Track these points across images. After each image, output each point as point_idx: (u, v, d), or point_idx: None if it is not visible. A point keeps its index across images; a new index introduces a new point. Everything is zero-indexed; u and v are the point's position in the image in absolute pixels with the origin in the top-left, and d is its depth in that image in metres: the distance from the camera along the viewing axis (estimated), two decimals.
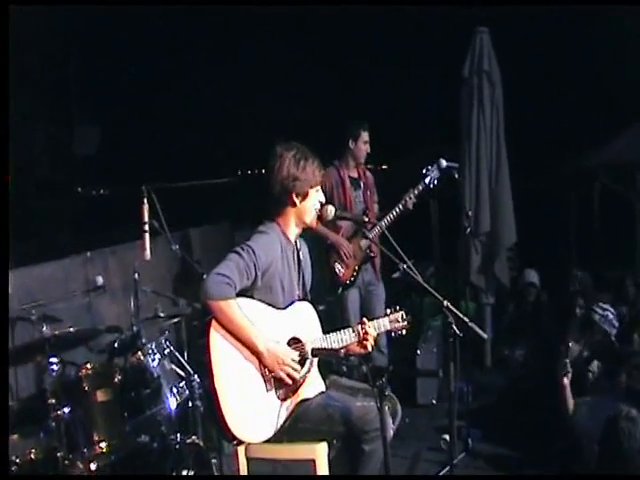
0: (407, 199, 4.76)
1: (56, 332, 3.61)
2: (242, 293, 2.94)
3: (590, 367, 4.17)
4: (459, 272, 6.00)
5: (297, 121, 7.24)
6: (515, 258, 6.33)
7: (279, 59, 8.05)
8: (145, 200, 3.81)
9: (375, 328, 3.23)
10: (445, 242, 6.56)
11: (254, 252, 2.95)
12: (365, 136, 4.97)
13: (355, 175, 5.06)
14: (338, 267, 4.81)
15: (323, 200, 3.17)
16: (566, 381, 3.86)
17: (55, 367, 3.50)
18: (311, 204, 3.12)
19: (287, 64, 8.05)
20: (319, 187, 3.16)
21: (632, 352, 4.25)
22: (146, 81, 8.06)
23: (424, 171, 4.84)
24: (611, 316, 4.52)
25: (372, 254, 4.89)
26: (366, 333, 3.16)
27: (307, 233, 3.28)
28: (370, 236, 4.58)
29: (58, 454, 3.23)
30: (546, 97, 7.60)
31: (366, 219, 3.98)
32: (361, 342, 3.17)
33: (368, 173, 5.15)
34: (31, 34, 6.37)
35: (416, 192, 4.79)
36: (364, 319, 3.24)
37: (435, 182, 4.85)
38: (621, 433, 3.42)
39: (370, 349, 3.20)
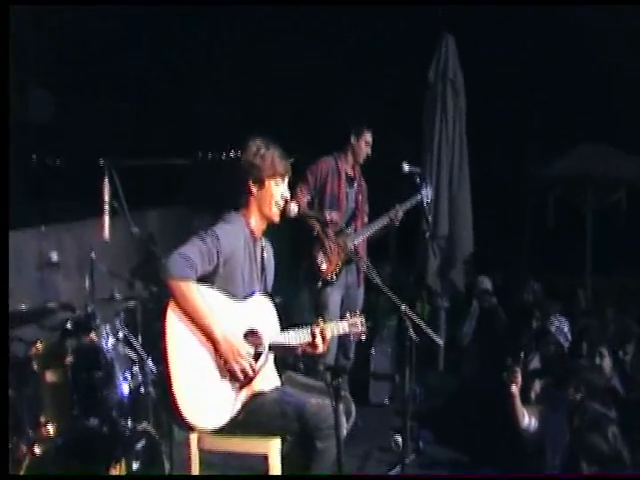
0: (395, 215, 4.69)
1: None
2: (202, 280, 2.92)
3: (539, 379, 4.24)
4: (415, 274, 6.05)
5: (271, 114, 7.18)
6: (471, 263, 6.40)
7: (258, 47, 7.94)
8: (106, 178, 3.71)
9: (333, 330, 3.21)
10: (402, 244, 6.61)
11: (218, 238, 2.94)
12: (368, 136, 4.83)
13: (351, 173, 4.90)
14: (321, 260, 4.64)
15: (287, 195, 3.15)
16: (515, 389, 3.92)
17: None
18: (269, 195, 3.10)
19: (264, 55, 7.94)
20: (281, 180, 3.13)
21: (581, 366, 4.35)
22: (110, 52, 7.85)
23: (418, 187, 4.75)
24: (566, 329, 4.60)
25: (357, 257, 4.55)
26: (322, 334, 3.13)
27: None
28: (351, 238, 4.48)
29: None
30: (508, 109, 7.73)
31: (328, 218, 3.93)
32: (313, 342, 3.14)
33: (363, 181, 4.99)
34: None
35: (404, 208, 4.72)
36: (320, 320, 3.21)
37: (428, 200, 4.79)
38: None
39: (321, 350, 3.16)
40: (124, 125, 7.92)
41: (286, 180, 3.16)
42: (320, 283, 4.68)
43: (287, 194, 3.15)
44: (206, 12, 7.57)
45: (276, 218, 3.16)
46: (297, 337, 3.13)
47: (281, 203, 3.13)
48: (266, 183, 3.09)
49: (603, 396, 3.69)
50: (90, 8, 6.84)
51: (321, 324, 3.16)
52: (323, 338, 3.14)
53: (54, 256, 4.36)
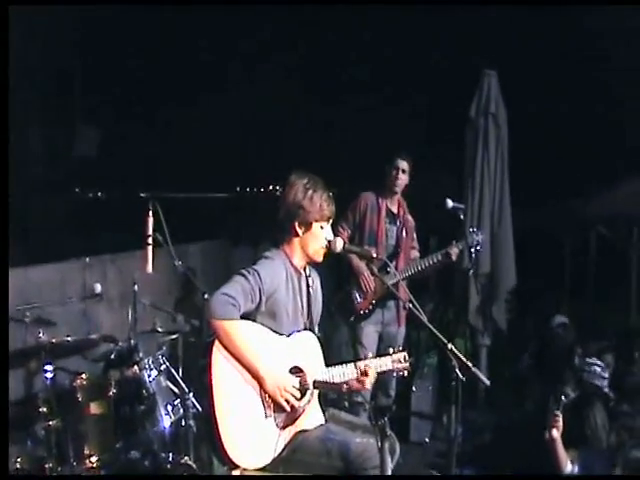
0: (447, 253, 4.62)
1: (53, 340, 3.51)
2: (245, 317, 2.92)
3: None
4: (455, 311, 5.97)
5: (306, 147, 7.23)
6: (512, 300, 6.29)
7: (293, 77, 8.04)
8: (150, 212, 3.75)
9: (376, 367, 3.16)
10: (440, 280, 6.54)
11: (259, 276, 2.94)
12: (402, 164, 4.73)
13: (394, 210, 4.84)
14: (355, 295, 4.64)
15: (331, 237, 3.14)
16: (556, 434, 3.79)
17: (49, 374, 3.40)
18: (314, 238, 3.11)
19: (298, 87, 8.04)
20: (327, 223, 3.14)
21: (621, 412, 4.21)
22: (150, 89, 8.03)
23: (470, 230, 4.73)
24: (598, 369, 4.44)
25: (396, 294, 4.20)
26: (366, 371, 3.09)
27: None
28: (392, 274, 4.41)
29: (46, 465, 3.14)
30: (550, 143, 7.65)
31: (374, 255, 3.85)
32: (360, 379, 3.10)
33: (409, 216, 4.91)
34: (32, 33, 6.33)
35: (455, 250, 4.64)
36: (365, 355, 3.19)
37: (478, 247, 4.71)
38: None
39: (369, 387, 3.12)
40: (165, 158, 8.06)
41: (330, 222, 3.17)
42: (353, 317, 4.67)
43: (331, 236, 3.15)
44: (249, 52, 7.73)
45: (319, 259, 3.16)
46: (341, 374, 3.09)
47: (325, 245, 3.13)
48: (313, 226, 3.10)
49: None
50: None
51: (366, 360, 3.12)
52: (366, 374, 3.09)
53: (98, 287, 4.42)
